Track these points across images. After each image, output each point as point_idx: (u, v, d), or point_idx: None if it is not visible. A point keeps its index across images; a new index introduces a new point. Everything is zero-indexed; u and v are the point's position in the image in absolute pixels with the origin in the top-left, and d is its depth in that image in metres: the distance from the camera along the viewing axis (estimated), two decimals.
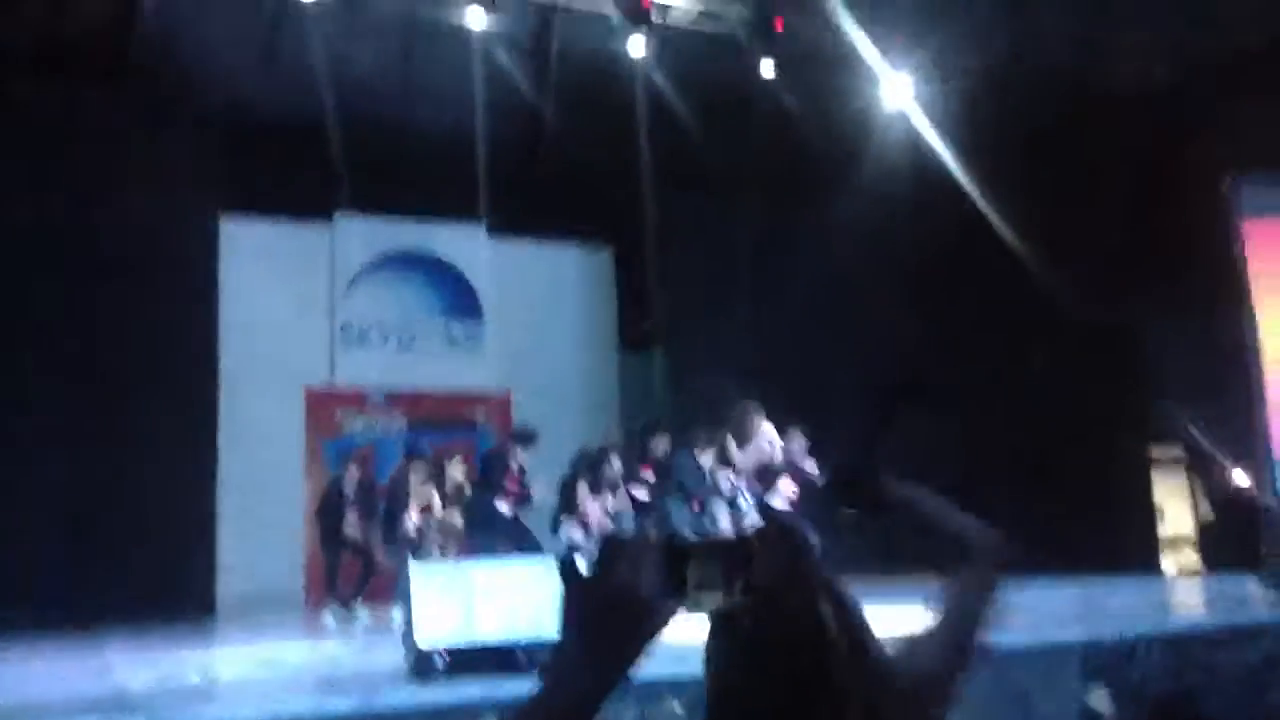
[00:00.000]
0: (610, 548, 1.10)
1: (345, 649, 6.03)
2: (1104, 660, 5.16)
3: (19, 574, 7.46)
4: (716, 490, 7.84)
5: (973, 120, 10.59)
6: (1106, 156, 10.56)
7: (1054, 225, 10.42)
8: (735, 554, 1.12)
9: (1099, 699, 4.98)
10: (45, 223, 8.88)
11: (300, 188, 10.17)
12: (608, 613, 1.08)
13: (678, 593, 1.10)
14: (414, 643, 4.50)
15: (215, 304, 10.07)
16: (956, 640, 1.34)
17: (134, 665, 5.55)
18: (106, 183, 9.21)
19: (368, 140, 10.09)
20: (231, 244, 10.29)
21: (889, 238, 11.24)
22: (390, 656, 4.92)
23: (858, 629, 1.17)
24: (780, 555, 1.14)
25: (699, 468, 7.89)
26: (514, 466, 8.06)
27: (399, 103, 10.71)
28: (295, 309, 10.65)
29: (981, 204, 10.70)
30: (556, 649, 1.09)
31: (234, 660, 5.79)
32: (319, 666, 5.29)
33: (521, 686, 4.02)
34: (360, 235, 11.15)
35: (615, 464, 8.19)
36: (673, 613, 1.10)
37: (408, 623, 4.59)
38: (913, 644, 1.33)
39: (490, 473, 8.18)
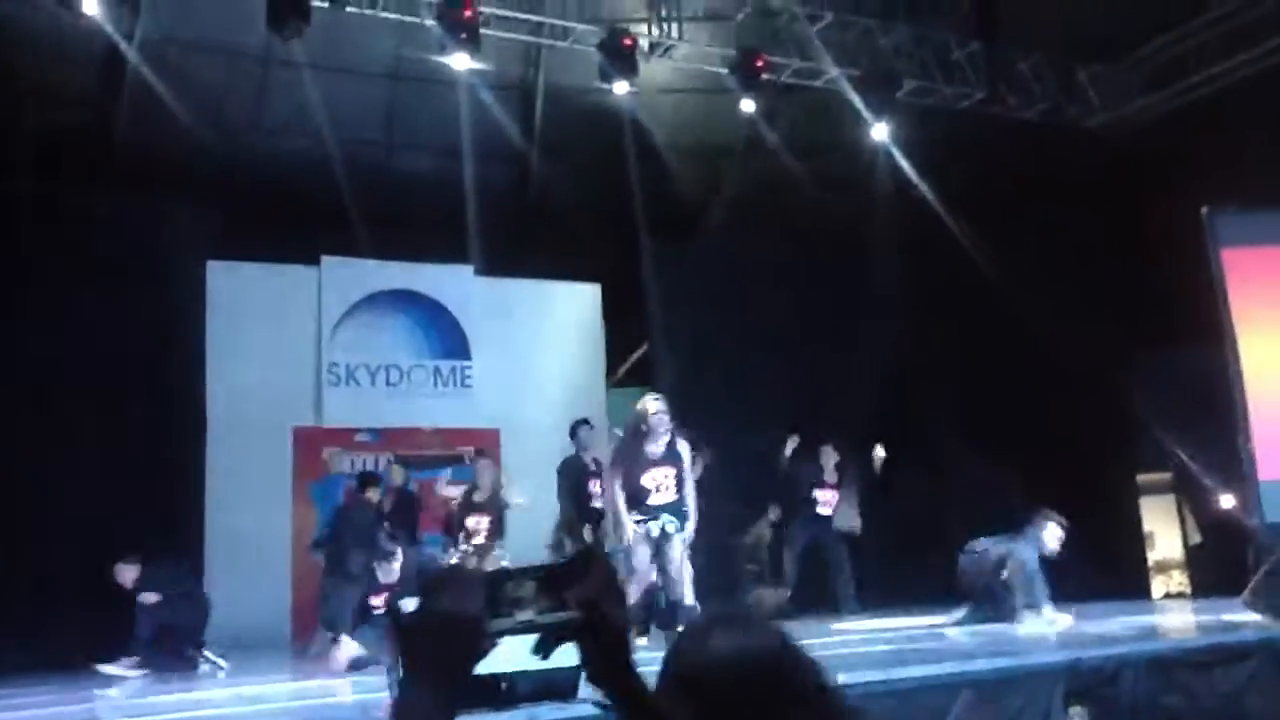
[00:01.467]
0: (431, 581, 1.17)
1: (330, 686, 6.02)
2: (1087, 682, 5.16)
3: (8, 615, 7.43)
4: None
5: (952, 155, 10.74)
6: (1086, 191, 10.69)
7: (1035, 258, 10.52)
8: (557, 576, 1.20)
9: (1079, 716, 4.99)
10: (30, 270, 8.92)
11: (287, 231, 10.23)
12: (435, 644, 1.13)
13: (499, 615, 1.16)
14: (393, 676, 4.50)
15: (202, 345, 10.12)
16: None
17: (120, 707, 5.55)
18: (93, 227, 9.27)
19: (354, 184, 10.18)
20: (218, 286, 10.35)
21: (873, 274, 11.35)
22: (377, 693, 4.91)
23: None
24: (598, 577, 1.21)
25: None
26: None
27: (385, 146, 10.83)
28: (282, 350, 10.69)
29: (963, 238, 10.82)
30: (400, 692, 1.14)
31: (220, 700, 5.78)
32: (304, 703, 5.29)
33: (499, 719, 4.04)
34: (347, 276, 11.21)
35: None
36: (499, 636, 1.17)
37: (395, 658, 4.59)
38: None
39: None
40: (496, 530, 8.95)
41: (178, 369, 9.77)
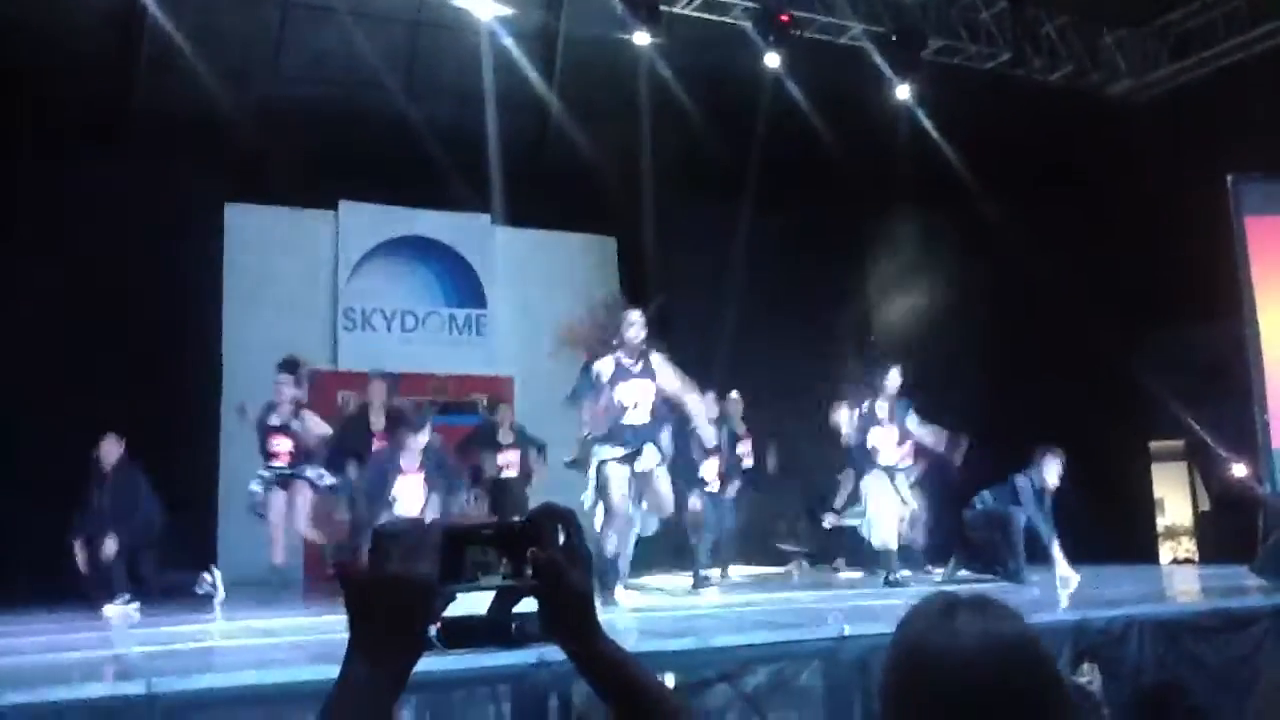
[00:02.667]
0: (381, 538, 1.09)
1: (343, 622, 6.09)
2: (1093, 641, 5.20)
3: (25, 551, 7.52)
4: None
5: (975, 117, 10.64)
6: (1105, 157, 10.61)
7: (1054, 224, 10.46)
8: (514, 536, 1.15)
9: (1088, 673, 5.02)
10: (49, 211, 8.94)
11: (305, 176, 10.24)
12: (384, 603, 1.06)
13: (457, 577, 1.11)
14: None
15: (220, 289, 10.16)
16: None
17: (136, 637, 5.63)
18: (112, 172, 9.27)
19: (373, 130, 10.16)
20: (236, 229, 10.38)
21: (889, 231, 11.30)
22: None
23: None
24: (556, 535, 1.16)
25: None
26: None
27: (404, 92, 10.78)
28: (299, 293, 10.73)
29: (982, 202, 10.75)
30: (347, 650, 1.08)
31: (234, 632, 5.86)
32: (317, 637, 5.36)
33: (510, 658, 4.08)
34: (364, 221, 11.23)
35: None
36: (451, 598, 1.11)
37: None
38: None
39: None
40: (525, 469, 9.05)
41: (196, 311, 9.84)
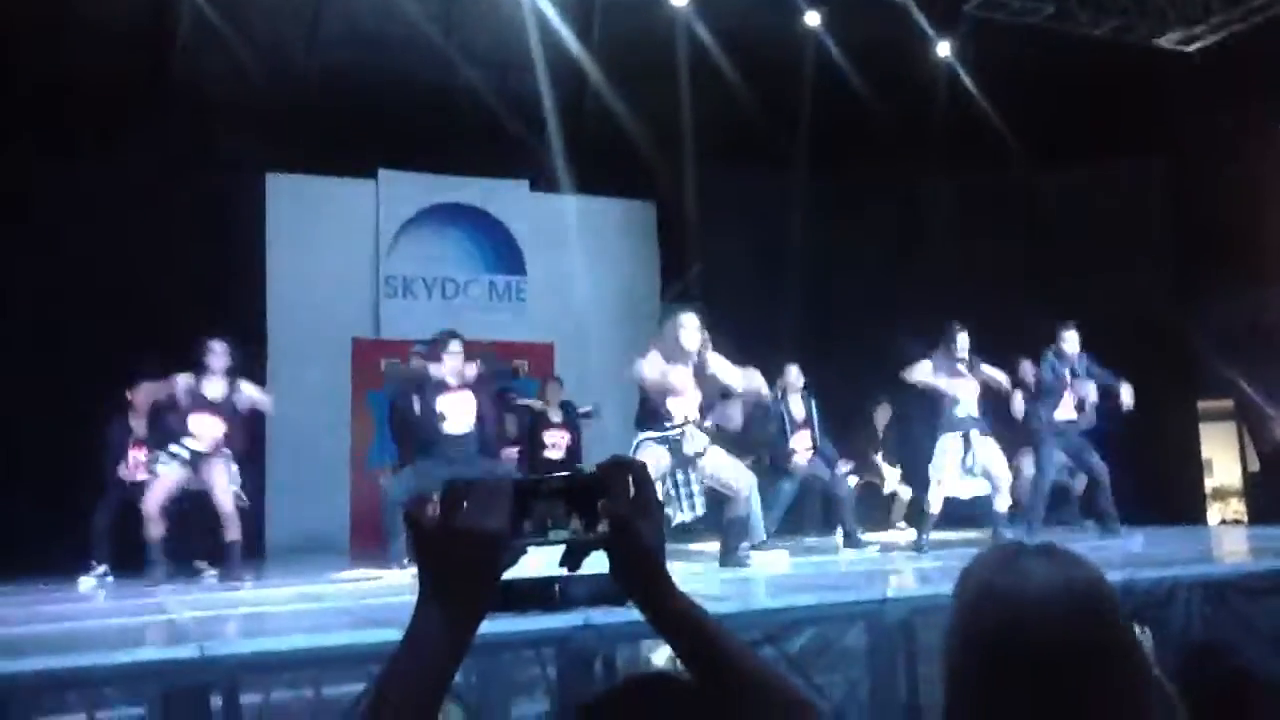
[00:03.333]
0: (452, 491, 1.09)
1: (390, 587, 6.17)
2: (1139, 603, 5.15)
3: (76, 519, 7.65)
4: None
5: (1016, 75, 10.45)
6: (1151, 115, 10.41)
7: (1101, 179, 10.30)
8: (584, 488, 1.14)
9: (1140, 636, 4.97)
10: (89, 186, 9.02)
11: (345, 144, 10.27)
12: (454, 557, 1.07)
13: (526, 531, 1.11)
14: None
15: (262, 258, 10.27)
16: None
17: (186, 603, 5.73)
18: (154, 143, 9.34)
19: (412, 98, 10.16)
20: (278, 199, 10.46)
21: (932, 197, 11.16)
22: None
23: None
24: (627, 487, 1.14)
25: None
26: None
27: (442, 59, 10.76)
28: (341, 262, 10.81)
29: (1028, 160, 10.60)
30: (418, 601, 1.08)
31: (281, 599, 5.94)
32: (362, 602, 5.43)
33: (555, 621, 4.11)
34: (404, 190, 11.27)
35: None
36: (522, 551, 1.11)
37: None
38: None
39: None
40: (575, 448, 9.07)
41: (238, 282, 9.94)
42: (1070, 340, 8.32)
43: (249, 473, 9.00)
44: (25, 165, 8.87)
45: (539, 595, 1.16)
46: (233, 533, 7.15)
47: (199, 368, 7.31)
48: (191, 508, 7.39)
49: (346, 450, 10.59)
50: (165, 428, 7.38)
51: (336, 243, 10.84)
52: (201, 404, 7.23)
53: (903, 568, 6.89)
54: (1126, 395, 8.15)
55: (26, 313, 8.76)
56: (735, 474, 6.81)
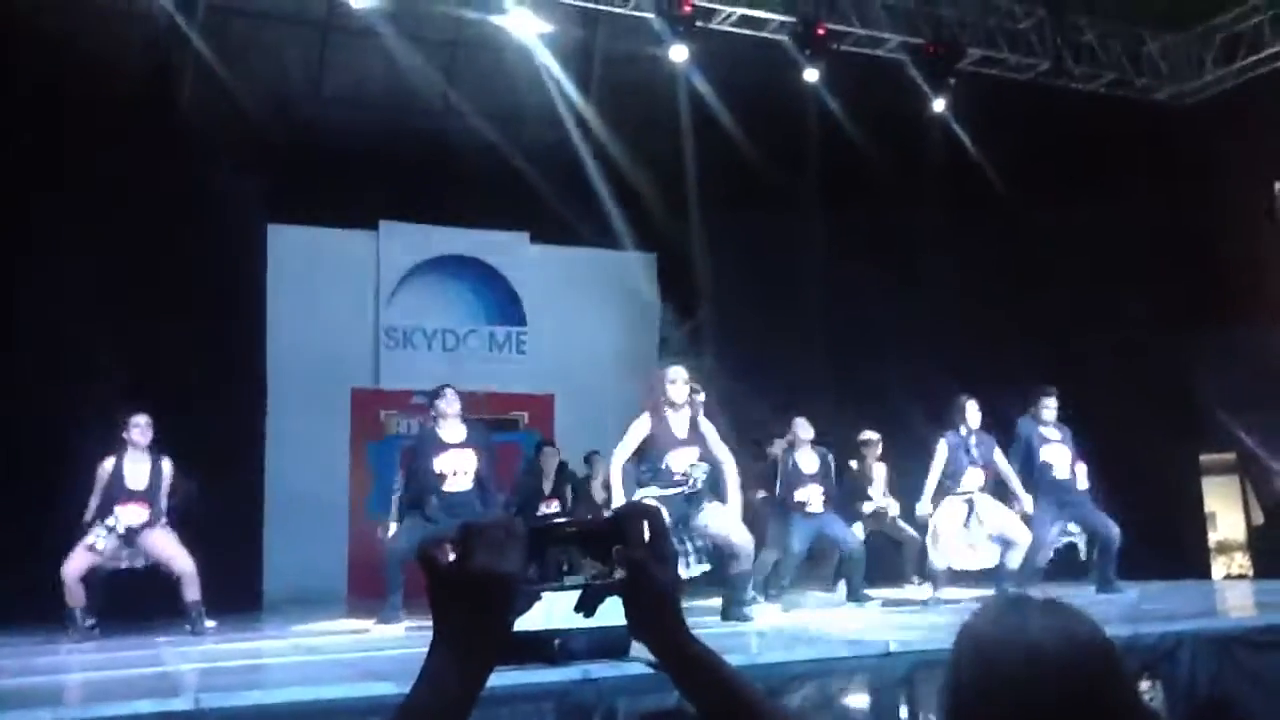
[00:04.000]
0: (467, 533, 1.09)
1: (388, 640, 6.13)
2: (1144, 658, 5.11)
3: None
4: None
5: (1015, 128, 10.55)
6: (1150, 164, 10.49)
7: (1098, 233, 10.35)
8: (599, 534, 1.14)
9: (1149, 690, 4.93)
10: (90, 236, 9.04)
11: (346, 196, 10.34)
12: (468, 599, 1.06)
13: (539, 575, 1.11)
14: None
15: (263, 309, 10.28)
16: None
17: (183, 655, 5.68)
18: (153, 194, 9.39)
19: (413, 150, 10.24)
20: (278, 249, 10.51)
21: (929, 245, 11.20)
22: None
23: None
24: (642, 533, 1.14)
25: None
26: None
27: (443, 111, 10.87)
28: (341, 313, 10.84)
29: (1024, 214, 10.65)
30: (431, 643, 1.07)
31: (278, 650, 5.89)
32: (361, 654, 5.39)
33: (555, 674, 4.07)
34: (405, 241, 11.33)
35: None
36: (536, 597, 1.10)
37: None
38: None
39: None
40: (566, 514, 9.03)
41: (239, 331, 9.94)
42: (1049, 407, 8.44)
43: (248, 522, 9.00)
44: (24, 210, 8.89)
45: (538, 648, 1.16)
46: (192, 592, 7.08)
47: (122, 445, 7.25)
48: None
49: (345, 500, 10.56)
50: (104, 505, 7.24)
51: (337, 293, 10.88)
52: (124, 493, 7.14)
53: (906, 621, 6.84)
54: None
55: (22, 355, 8.72)
56: (736, 532, 6.78)
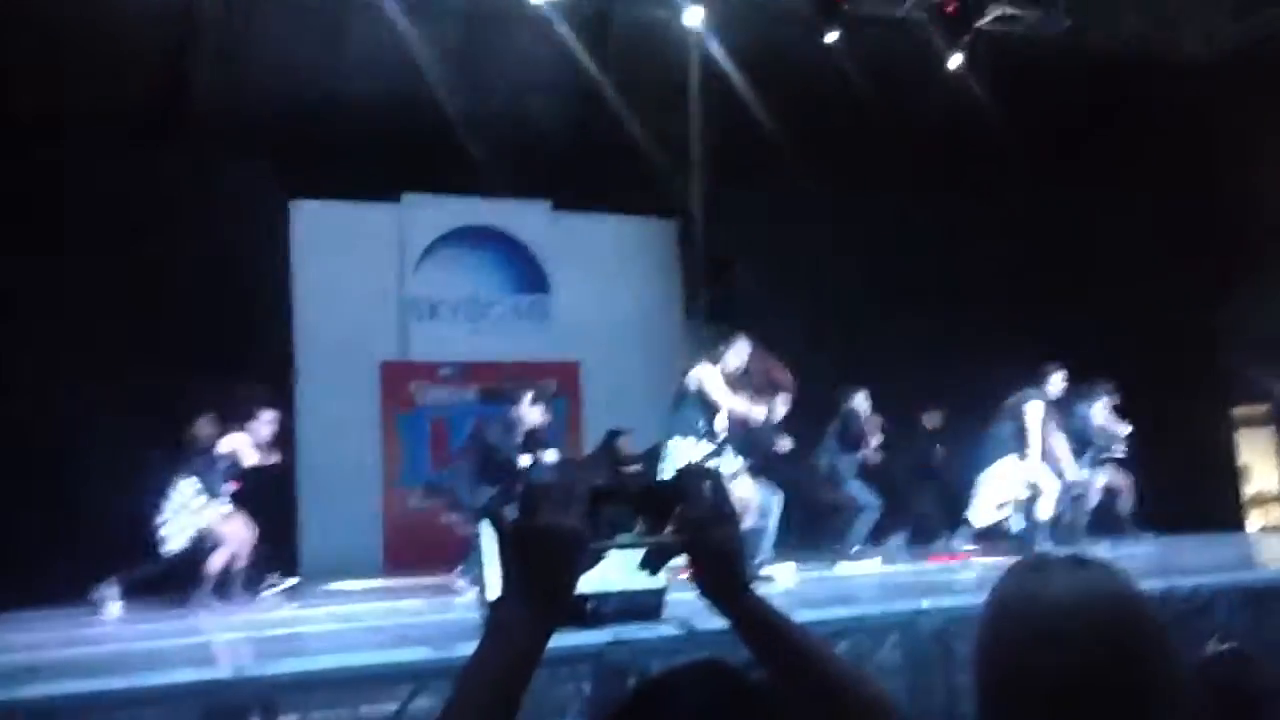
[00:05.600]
0: (532, 492, 1.12)
1: (423, 606, 6.19)
2: (1178, 611, 5.10)
3: (110, 544, 7.70)
4: None
5: (1035, 88, 10.42)
6: (1172, 122, 10.35)
7: (1124, 191, 10.24)
8: (661, 494, 1.16)
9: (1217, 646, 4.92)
10: (111, 215, 9.09)
11: (367, 170, 10.33)
12: (534, 555, 1.10)
13: (602, 533, 1.13)
14: (485, 597, 4.62)
15: (288, 284, 10.33)
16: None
17: (221, 626, 5.76)
18: (174, 174, 9.43)
19: (432, 122, 10.22)
20: (302, 225, 10.54)
21: (952, 207, 11.11)
22: (466, 613, 5.07)
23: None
24: (703, 493, 1.17)
25: None
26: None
27: (461, 83, 10.84)
28: (366, 287, 10.86)
29: (1048, 172, 10.55)
30: (498, 600, 1.11)
31: (314, 619, 5.97)
32: (396, 622, 5.46)
33: (586, 638, 4.11)
34: (427, 213, 11.33)
35: None
36: (601, 556, 1.13)
37: (480, 579, 4.72)
38: None
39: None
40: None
41: (265, 309, 9.98)
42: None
43: (282, 497, 9.09)
44: (51, 190, 8.94)
45: (572, 611, 1.17)
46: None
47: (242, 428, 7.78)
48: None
49: (378, 472, 10.64)
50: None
51: (362, 267, 10.89)
52: (235, 474, 7.70)
53: (940, 578, 6.85)
54: None
55: (51, 340, 8.78)
56: (750, 490, 6.97)
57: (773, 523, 7.49)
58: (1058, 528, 8.14)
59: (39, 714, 3.45)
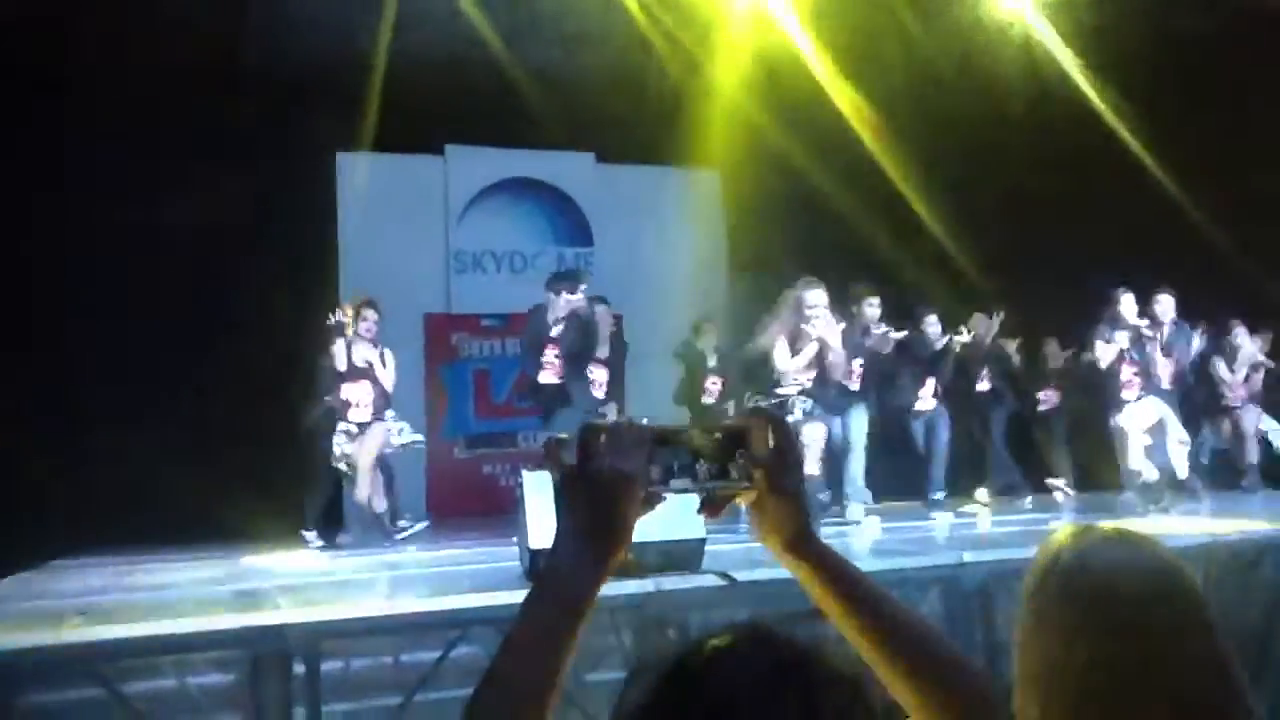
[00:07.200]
0: (588, 433, 1.10)
1: (466, 554, 6.27)
2: (1224, 565, 5.03)
3: (163, 493, 7.85)
4: None
5: (1103, 28, 10.11)
6: (1253, 68, 9.97)
7: (1192, 143, 9.91)
8: (725, 438, 1.14)
9: None
10: (159, 171, 9.17)
11: (413, 121, 10.34)
12: (594, 495, 1.08)
13: (661, 477, 1.11)
14: (527, 545, 4.66)
15: (334, 238, 10.41)
16: None
17: (265, 572, 5.87)
18: (221, 127, 9.47)
19: (477, 74, 10.19)
20: (348, 177, 10.60)
21: (1001, 153, 10.88)
22: (509, 562, 5.13)
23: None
24: (767, 438, 1.14)
25: None
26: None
27: (506, 35, 10.77)
28: (411, 239, 10.91)
29: (1108, 120, 10.27)
30: (555, 540, 1.10)
31: (358, 566, 6.06)
32: (438, 569, 5.53)
33: (629, 587, 4.13)
34: (472, 165, 11.36)
35: None
36: (661, 497, 1.11)
37: (522, 526, 4.76)
38: None
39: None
40: (616, 384, 8.96)
41: (311, 261, 10.06)
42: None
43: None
44: (99, 152, 9.04)
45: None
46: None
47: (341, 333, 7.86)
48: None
49: (422, 423, 10.70)
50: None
51: (407, 219, 10.95)
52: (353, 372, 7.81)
53: (982, 531, 6.82)
54: None
55: (102, 296, 8.93)
56: (820, 433, 7.21)
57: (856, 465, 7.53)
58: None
59: (84, 658, 3.54)
